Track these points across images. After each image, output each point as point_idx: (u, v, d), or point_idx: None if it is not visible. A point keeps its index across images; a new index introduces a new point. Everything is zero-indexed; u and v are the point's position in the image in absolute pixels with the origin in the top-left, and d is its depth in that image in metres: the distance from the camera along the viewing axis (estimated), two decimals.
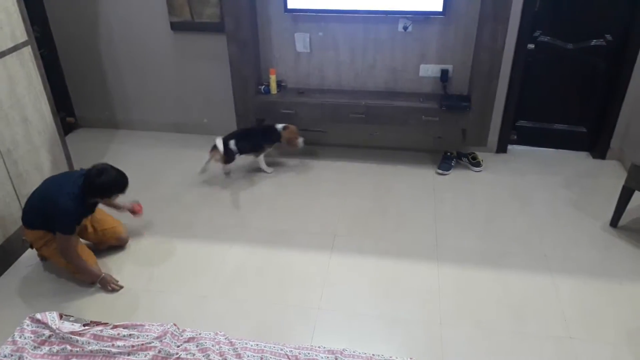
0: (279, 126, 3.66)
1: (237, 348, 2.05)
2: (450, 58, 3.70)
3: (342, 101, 3.72)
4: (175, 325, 2.17)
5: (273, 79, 3.81)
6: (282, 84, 3.94)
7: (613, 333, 2.38)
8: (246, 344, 2.08)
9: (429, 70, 3.76)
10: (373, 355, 2.01)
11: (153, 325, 2.17)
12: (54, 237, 2.63)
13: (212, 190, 3.60)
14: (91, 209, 2.76)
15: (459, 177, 3.71)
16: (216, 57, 3.96)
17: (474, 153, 3.83)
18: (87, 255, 2.72)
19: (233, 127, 3.97)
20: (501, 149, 4.01)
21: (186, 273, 2.81)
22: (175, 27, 3.94)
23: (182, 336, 2.11)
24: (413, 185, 3.62)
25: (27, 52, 2.96)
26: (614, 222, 3.11)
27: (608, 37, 3.60)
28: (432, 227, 3.14)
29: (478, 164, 3.79)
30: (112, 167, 2.64)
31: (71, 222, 2.57)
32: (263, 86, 3.84)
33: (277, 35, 3.83)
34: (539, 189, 3.54)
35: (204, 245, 3.03)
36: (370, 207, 3.37)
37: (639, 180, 2.88)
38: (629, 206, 3.05)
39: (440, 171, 3.75)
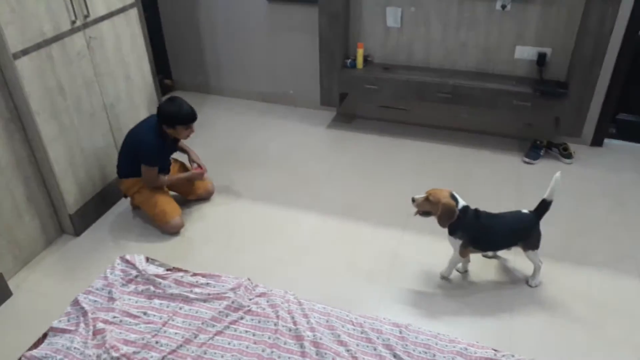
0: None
1: (304, 308, 2.13)
2: (550, 41, 3.48)
3: (428, 79, 3.63)
4: (249, 279, 2.29)
5: (360, 53, 3.80)
6: (369, 58, 3.91)
7: None
8: (314, 305, 2.15)
9: (525, 52, 3.56)
10: (438, 334, 2.00)
11: (229, 277, 2.29)
12: (144, 185, 2.86)
13: (290, 159, 3.69)
14: (171, 144, 2.93)
15: (546, 167, 3.52)
16: (307, 28, 4.01)
17: (565, 144, 3.60)
18: (172, 207, 2.93)
19: (317, 99, 4.02)
20: (596, 142, 3.74)
21: (262, 234, 2.93)
22: None
23: (254, 290, 2.22)
24: (496, 172, 3.49)
25: (134, 14, 3.16)
26: None
27: None
28: None
29: (569, 156, 3.56)
30: (182, 99, 2.79)
31: (151, 152, 2.78)
32: (349, 60, 3.84)
33: (368, 9, 3.79)
34: (635, 189, 3.27)
35: (280, 211, 3.13)
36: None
37: None
38: None
39: (527, 160, 3.58)
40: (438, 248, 2.78)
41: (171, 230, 2.91)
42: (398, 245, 2.83)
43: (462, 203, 2.38)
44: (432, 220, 2.97)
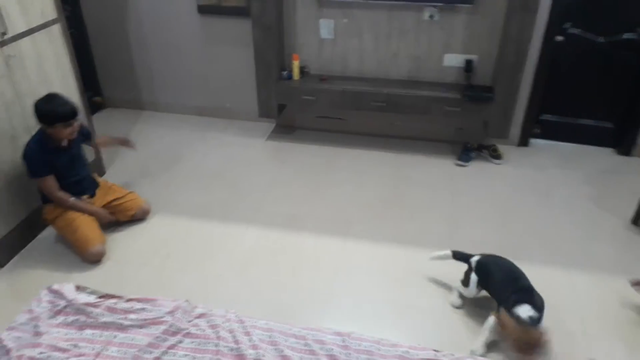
0: (523, 310, 2.03)
1: (246, 326, 2.09)
2: (476, 48, 3.64)
3: (363, 89, 3.70)
4: (187, 301, 2.22)
5: (296, 64, 3.82)
6: (305, 70, 3.94)
7: (629, 330, 2.33)
8: (255, 322, 2.11)
9: (453, 60, 3.71)
10: (381, 339, 2.02)
11: (166, 300, 2.22)
12: (63, 212, 2.75)
13: (229, 173, 3.64)
14: (59, 148, 2.69)
15: (478, 169, 3.67)
16: (241, 41, 3.98)
17: (494, 145, 3.78)
18: (95, 234, 2.77)
19: (255, 112, 3.99)
20: (523, 142, 3.94)
21: (202, 252, 2.86)
22: (203, 10, 3.97)
23: (193, 312, 2.16)
24: (431, 175, 3.59)
25: (57, 30, 3.02)
26: (636, 220, 3.03)
27: None
28: (447, 218, 3.12)
29: (498, 157, 3.74)
30: (60, 95, 2.63)
31: (29, 160, 2.62)
32: (286, 72, 3.85)
33: (301, 21, 3.83)
34: (560, 184, 3.47)
35: (220, 226, 3.07)
36: (386, 196, 3.36)
37: None
38: None
39: (459, 162, 3.72)
40: (379, 254, 2.83)
41: (91, 259, 2.74)
42: (340, 253, 2.84)
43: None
44: (373, 227, 3.04)
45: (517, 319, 1.98)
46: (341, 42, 3.83)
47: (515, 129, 3.87)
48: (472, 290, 2.36)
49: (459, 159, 3.74)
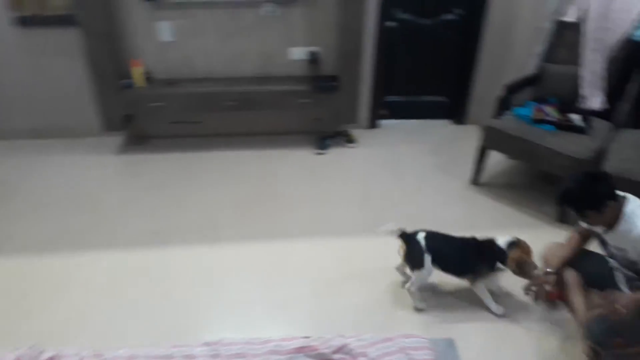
0: (502, 241, 2.27)
1: (105, 359, 1.91)
2: (318, 40, 3.75)
3: (213, 89, 3.62)
4: (32, 347, 1.97)
5: (138, 71, 3.60)
6: (149, 75, 3.74)
7: None
8: (116, 352, 1.95)
9: (298, 53, 3.78)
10: (251, 339, 1.99)
11: (4, 352, 1.94)
12: None
13: (78, 197, 3.33)
14: None
15: (335, 155, 3.81)
16: (71, 52, 3.65)
17: (348, 131, 3.95)
18: None
19: (98, 126, 3.69)
20: (373, 124, 4.18)
21: (53, 289, 2.56)
22: (20, 22, 3.56)
23: (39, 358, 1.92)
24: (293, 167, 3.64)
25: None
26: (474, 180, 3.37)
27: (459, 11, 3.87)
28: (313, 205, 3.19)
29: (352, 141, 3.92)
30: None
31: None
32: (127, 80, 3.62)
33: (137, 25, 3.62)
34: (409, 158, 3.76)
35: (71, 257, 2.78)
36: (252, 194, 3.33)
37: (491, 139, 3.15)
38: (485, 164, 3.32)
39: (318, 151, 3.82)
40: (250, 253, 2.79)
41: None
42: (211, 261, 2.74)
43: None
44: (242, 227, 2.99)
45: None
46: (184, 43, 3.70)
47: (365, 113, 4.08)
48: (429, 269, 2.31)
49: (317, 147, 3.85)
